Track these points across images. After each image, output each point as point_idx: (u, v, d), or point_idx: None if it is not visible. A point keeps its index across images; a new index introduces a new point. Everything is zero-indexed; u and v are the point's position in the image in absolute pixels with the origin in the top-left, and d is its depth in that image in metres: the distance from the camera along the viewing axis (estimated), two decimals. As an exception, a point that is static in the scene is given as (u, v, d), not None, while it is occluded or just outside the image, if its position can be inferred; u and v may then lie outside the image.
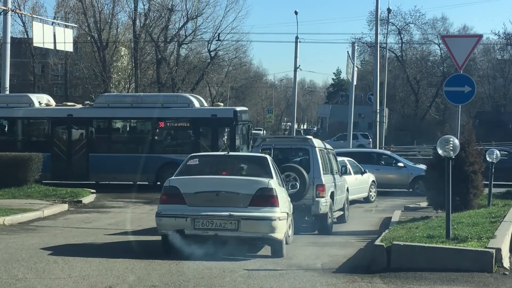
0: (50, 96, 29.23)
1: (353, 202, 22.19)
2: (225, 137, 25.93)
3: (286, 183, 13.99)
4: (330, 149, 17.79)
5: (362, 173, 23.50)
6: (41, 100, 27.50)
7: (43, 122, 27.17)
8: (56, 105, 28.12)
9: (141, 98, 27.53)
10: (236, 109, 26.47)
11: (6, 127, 27.56)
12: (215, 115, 25.62)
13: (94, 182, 25.89)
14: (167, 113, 25.86)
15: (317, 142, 16.13)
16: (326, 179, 15.54)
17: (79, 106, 28.20)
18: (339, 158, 21.84)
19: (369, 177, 23.96)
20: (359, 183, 23.10)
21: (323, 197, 15.21)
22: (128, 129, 27.62)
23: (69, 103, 29.21)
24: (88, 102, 30.23)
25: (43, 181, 24.39)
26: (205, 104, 27.68)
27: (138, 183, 24.97)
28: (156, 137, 26.52)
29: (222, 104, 30.61)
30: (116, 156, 25.79)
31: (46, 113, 26.95)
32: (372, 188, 24.10)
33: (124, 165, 25.25)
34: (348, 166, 22.52)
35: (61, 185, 23.96)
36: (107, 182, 26.06)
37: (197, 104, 26.21)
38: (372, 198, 24.07)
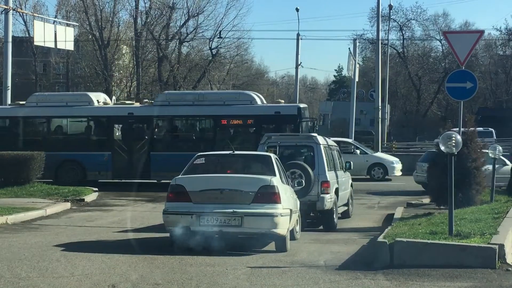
0: (106, 95, 29.10)
1: None
2: None
3: (292, 180, 14.11)
4: (334, 146, 17.96)
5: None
6: (99, 98, 27.25)
7: (104, 121, 26.79)
8: (115, 104, 27.93)
9: (202, 95, 26.94)
10: (300, 105, 25.95)
11: (66, 126, 27.34)
12: (278, 112, 25.14)
13: (156, 181, 25.54)
14: (229, 110, 25.42)
15: (321, 139, 16.39)
16: (330, 175, 15.82)
17: (138, 104, 27.90)
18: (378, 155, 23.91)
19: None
20: None
21: (328, 193, 15.45)
22: (189, 127, 27.20)
23: (127, 101, 28.94)
24: (147, 100, 29.94)
25: (100, 180, 24.36)
26: (265, 101, 27.18)
27: None
28: (218, 135, 25.94)
29: (282, 101, 29.96)
30: (178, 154, 24.50)
31: (106, 111, 26.67)
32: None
33: (186, 163, 24.75)
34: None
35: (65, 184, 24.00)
36: (168, 181, 25.73)
37: (259, 102, 25.77)
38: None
